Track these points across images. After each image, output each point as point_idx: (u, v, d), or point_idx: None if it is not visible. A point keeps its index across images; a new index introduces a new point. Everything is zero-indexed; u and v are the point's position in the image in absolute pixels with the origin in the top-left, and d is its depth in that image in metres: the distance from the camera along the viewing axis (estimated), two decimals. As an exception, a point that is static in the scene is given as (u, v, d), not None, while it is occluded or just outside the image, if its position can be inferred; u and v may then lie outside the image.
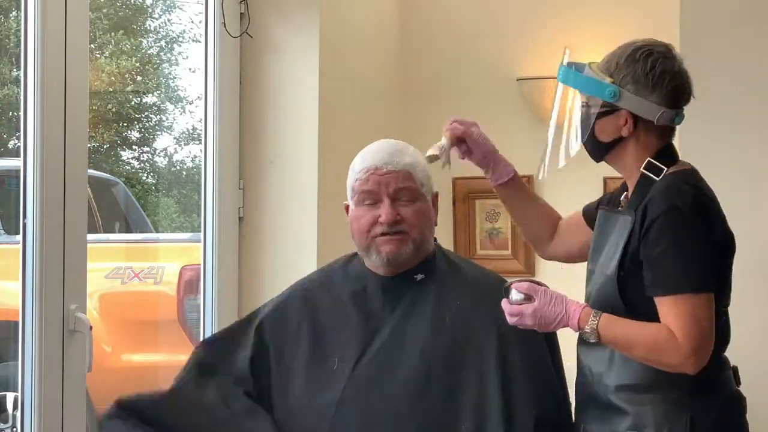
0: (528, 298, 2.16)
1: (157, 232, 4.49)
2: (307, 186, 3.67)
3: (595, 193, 4.34)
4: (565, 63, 2.55)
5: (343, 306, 2.30)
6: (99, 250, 3.89)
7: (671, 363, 2.17)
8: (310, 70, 3.69)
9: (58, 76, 2.83)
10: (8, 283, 3.28)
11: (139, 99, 4.59)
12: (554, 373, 2.25)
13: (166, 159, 4.74)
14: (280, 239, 3.70)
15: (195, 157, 4.44)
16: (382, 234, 2.25)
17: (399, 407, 2.15)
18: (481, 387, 2.15)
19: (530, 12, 4.45)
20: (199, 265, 3.66)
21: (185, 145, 4.62)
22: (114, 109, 4.41)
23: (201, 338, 3.62)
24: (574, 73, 2.46)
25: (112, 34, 4.27)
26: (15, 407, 2.77)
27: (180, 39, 4.54)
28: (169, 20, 4.61)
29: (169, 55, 4.74)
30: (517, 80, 4.41)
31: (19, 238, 2.80)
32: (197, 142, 4.06)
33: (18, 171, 2.82)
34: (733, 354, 2.37)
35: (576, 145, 2.44)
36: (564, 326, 2.18)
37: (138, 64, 4.55)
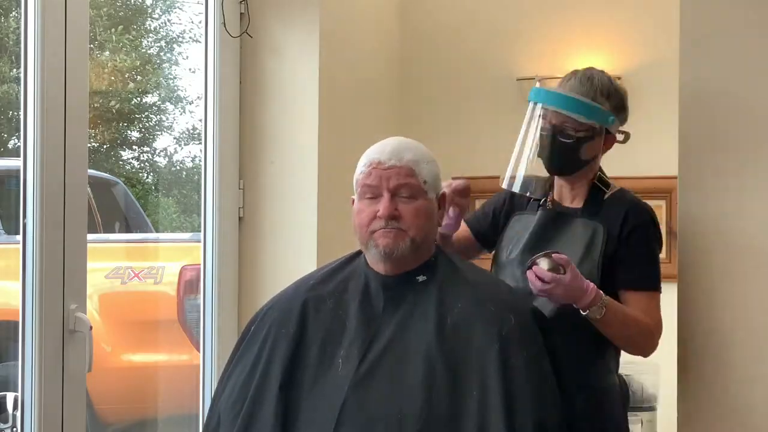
0: (555, 270, 2.40)
1: (157, 232, 4.49)
2: (307, 186, 3.67)
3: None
4: (551, 89, 2.78)
5: (345, 305, 2.30)
6: (99, 250, 3.88)
7: (650, 345, 2.64)
8: (310, 70, 3.69)
9: (58, 76, 2.83)
10: (8, 283, 3.28)
11: (139, 99, 4.59)
12: (554, 376, 2.25)
13: (166, 159, 4.73)
14: (280, 239, 3.70)
15: (195, 157, 4.44)
16: (381, 228, 2.25)
17: (402, 409, 2.15)
18: (482, 390, 2.15)
19: (530, 12, 4.45)
20: (199, 265, 3.66)
21: (185, 145, 4.62)
22: (114, 109, 4.41)
23: (201, 339, 3.62)
24: (575, 100, 2.67)
25: (112, 30, 4.26)
26: (15, 407, 2.77)
27: (180, 39, 4.54)
28: (169, 20, 4.61)
29: (169, 55, 4.74)
30: (517, 80, 4.41)
31: (19, 238, 2.80)
32: (197, 142, 4.06)
33: (18, 171, 2.81)
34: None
35: (558, 164, 2.73)
36: (579, 300, 2.47)
37: (138, 64, 4.55)
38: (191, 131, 4.51)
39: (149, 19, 4.71)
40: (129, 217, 4.45)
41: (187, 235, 4.34)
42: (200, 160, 3.70)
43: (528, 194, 2.77)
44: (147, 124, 4.67)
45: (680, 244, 2.90)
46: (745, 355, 2.81)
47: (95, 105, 4.16)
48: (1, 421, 2.83)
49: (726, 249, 2.84)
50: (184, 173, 4.68)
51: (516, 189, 2.76)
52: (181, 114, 4.68)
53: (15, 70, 3.34)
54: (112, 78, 4.33)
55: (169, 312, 4.09)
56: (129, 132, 4.62)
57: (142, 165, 4.74)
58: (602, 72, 2.78)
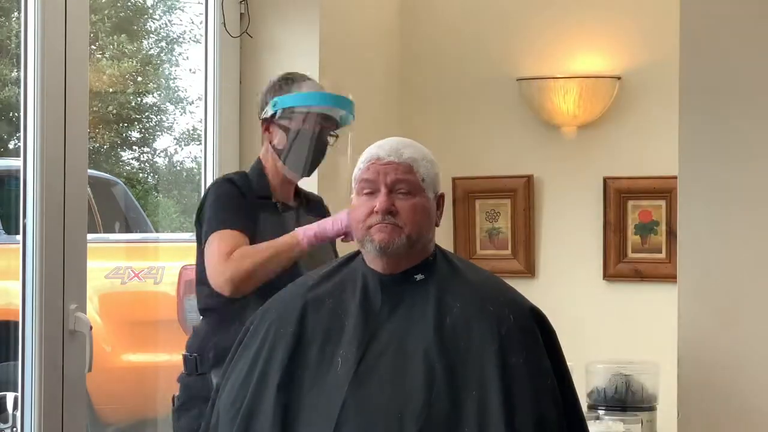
0: None
1: (157, 232, 4.49)
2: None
3: (595, 194, 4.38)
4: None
5: (344, 305, 2.30)
6: (99, 250, 3.89)
7: None
8: (310, 70, 3.68)
9: (58, 77, 2.83)
10: (8, 283, 3.28)
11: (139, 99, 4.59)
12: (554, 376, 2.24)
13: (166, 159, 4.73)
14: (280, 239, 3.69)
15: (195, 157, 4.44)
16: (377, 223, 2.25)
17: (402, 409, 2.14)
18: (482, 389, 2.14)
19: (530, 12, 4.45)
20: (199, 265, 3.66)
21: (185, 145, 4.62)
22: (114, 110, 4.41)
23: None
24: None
25: (114, 37, 4.27)
26: (15, 407, 2.78)
27: (180, 40, 4.54)
28: (169, 21, 4.61)
29: (169, 55, 4.74)
30: (517, 80, 4.41)
31: (19, 238, 2.80)
32: (197, 143, 4.06)
33: (18, 171, 2.82)
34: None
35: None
36: None
37: (138, 65, 4.55)
38: (191, 132, 4.51)
39: (150, 20, 4.71)
40: (129, 217, 4.45)
41: (187, 235, 4.34)
42: (200, 160, 3.70)
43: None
44: (147, 125, 4.67)
45: (680, 244, 2.90)
46: (745, 354, 2.81)
47: (94, 108, 4.16)
48: (1, 421, 2.83)
49: (726, 249, 2.84)
50: (184, 173, 4.68)
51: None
52: (181, 114, 4.68)
53: (15, 71, 3.34)
54: (113, 79, 4.34)
55: (169, 312, 4.09)
56: (129, 132, 4.62)
57: (142, 165, 4.74)
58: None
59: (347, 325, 2.26)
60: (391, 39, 4.51)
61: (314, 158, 2.92)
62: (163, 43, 4.69)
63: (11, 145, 3.53)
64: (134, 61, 4.46)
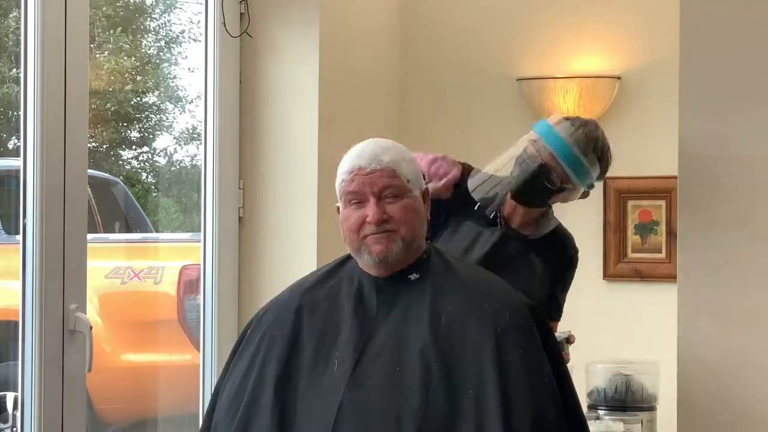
0: None
1: (157, 232, 4.49)
2: (307, 186, 3.67)
3: (595, 194, 4.37)
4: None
5: (339, 307, 2.30)
6: (99, 250, 3.88)
7: None
8: (310, 70, 3.69)
9: (58, 76, 2.83)
10: (8, 283, 3.28)
11: (138, 99, 4.59)
12: (551, 372, 2.24)
13: (166, 159, 4.73)
14: (280, 239, 3.70)
15: (195, 156, 4.44)
16: (372, 234, 2.24)
17: (399, 409, 2.14)
18: (479, 387, 2.14)
19: (530, 12, 4.45)
20: (199, 265, 3.66)
21: (185, 144, 4.62)
22: (113, 108, 4.41)
23: (201, 338, 3.62)
24: (580, 161, 2.76)
25: (111, 31, 4.26)
26: (15, 407, 2.77)
27: (180, 39, 4.54)
28: (168, 20, 4.61)
29: (168, 54, 4.74)
30: (517, 80, 4.41)
31: (19, 238, 2.80)
32: (197, 142, 4.06)
33: (18, 171, 2.82)
34: None
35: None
36: None
37: (138, 64, 4.55)
38: (191, 131, 4.51)
39: (149, 19, 4.71)
40: (129, 217, 4.45)
41: (187, 235, 4.34)
42: (200, 160, 3.70)
43: (487, 211, 2.86)
44: (147, 124, 4.67)
45: (680, 244, 2.90)
46: (745, 354, 2.81)
47: (93, 106, 4.15)
48: (1, 421, 2.83)
49: (726, 249, 2.84)
50: (184, 173, 4.67)
51: (488, 209, 2.86)
52: (180, 114, 4.67)
53: (15, 70, 3.34)
54: (112, 78, 4.33)
55: (169, 312, 4.09)
56: (129, 132, 4.61)
57: (142, 165, 4.73)
58: (604, 134, 2.84)
59: (343, 327, 2.26)
60: (392, 39, 4.51)
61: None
62: (162, 42, 4.69)
63: (11, 145, 3.53)
64: (133, 59, 4.45)
